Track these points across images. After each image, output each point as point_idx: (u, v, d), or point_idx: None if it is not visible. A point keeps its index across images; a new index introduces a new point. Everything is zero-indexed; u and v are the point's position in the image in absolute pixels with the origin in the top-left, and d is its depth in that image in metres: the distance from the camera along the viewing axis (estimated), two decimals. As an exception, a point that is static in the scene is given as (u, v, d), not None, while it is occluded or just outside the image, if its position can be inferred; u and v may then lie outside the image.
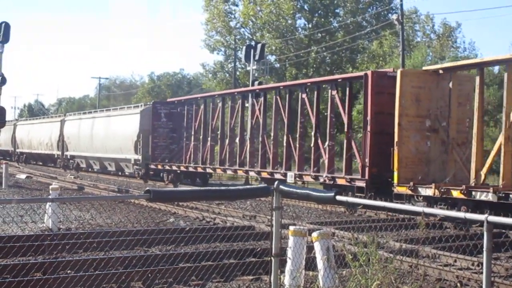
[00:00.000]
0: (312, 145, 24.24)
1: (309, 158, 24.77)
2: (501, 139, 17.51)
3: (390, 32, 56.48)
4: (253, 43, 48.29)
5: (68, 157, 47.43)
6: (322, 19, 59.21)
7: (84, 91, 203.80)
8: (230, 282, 9.50)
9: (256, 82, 41.49)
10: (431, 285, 9.36)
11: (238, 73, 58.86)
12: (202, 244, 12.51)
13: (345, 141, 22.74)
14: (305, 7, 60.00)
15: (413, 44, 61.24)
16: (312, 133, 24.31)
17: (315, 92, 24.75)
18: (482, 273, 5.23)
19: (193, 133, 32.96)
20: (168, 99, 44.10)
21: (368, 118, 21.13)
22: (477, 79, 18.20)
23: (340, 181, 22.03)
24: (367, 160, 20.97)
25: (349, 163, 22.60)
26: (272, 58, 59.48)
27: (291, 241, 7.58)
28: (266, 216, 16.98)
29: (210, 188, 8.03)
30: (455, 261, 11.13)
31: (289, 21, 59.87)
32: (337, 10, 60.98)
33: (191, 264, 9.97)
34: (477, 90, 18.19)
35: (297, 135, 25.20)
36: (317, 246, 7.46)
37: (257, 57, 43.70)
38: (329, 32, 58.75)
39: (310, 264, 7.90)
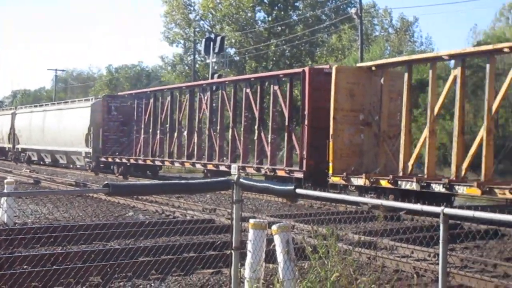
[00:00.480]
0: (255, 138, 25.08)
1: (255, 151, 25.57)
2: (426, 132, 18.49)
3: (349, 26, 56.85)
4: (212, 35, 48.17)
5: (20, 150, 47.30)
6: (282, 13, 59.32)
7: (40, 83, 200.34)
8: (190, 275, 9.49)
9: (216, 75, 41.40)
10: (389, 276, 9.48)
11: (197, 65, 58.64)
12: (162, 238, 12.46)
13: (285, 135, 23.60)
14: (265, 0, 60.05)
15: (372, 38, 61.76)
16: (256, 127, 25.03)
17: (258, 87, 25.31)
18: (438, 264, 5.32)
19: (143, 126, 33.45)
20: (126, 91, 43.94)
21: (306, 112, 22.19)
22: (405, 75, 19.34)
23: (280, 173, 23.04)
24: (304, 152, 22.02)
25: (290, 156, 23.59)
26: (231, 51, 59.45)
27: (251, 234, 7.59)
28: (226, 209, 17.00)
29: (170, 181, 8.00)
30: (412, 252, 11.31)
31: (249, 14, 59.89)
32: (296, 4, 61.18)
33: (151, 258, 9.93)
34: (405, 86, 19.25)
35: (242, 129, 26.02)
36: (277, 239, 7.48)
37: (216, 50, 43.65)
38: (288, 25, 58.91)
39: (270, 257, 7.93)
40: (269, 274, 8.42)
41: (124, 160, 34.00)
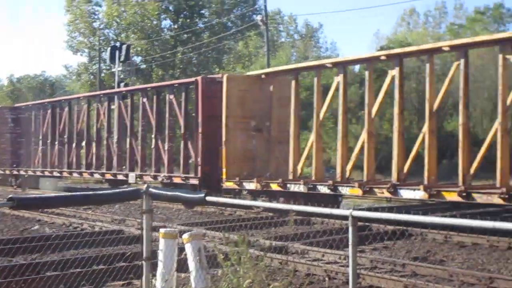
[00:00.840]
0: (153, 146, 25.22)
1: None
2: (312, 137, 19.20)
3: (255, 32, 57.40)
4: (118, 44, 47.55)
5: None
6: (188, 20, 59.20)
7: None
8: (100, 288, 9.28)
9: (122, 84, 40.94)
10: (301, 280, 9.56)
11: (103, 74, 57.68)
12: (70, 251, 12.14)
13: (182, 142, 23.84)
14: (170, 8, 59.76)
15: (278, 44, 62.61)
16: (153, 136, 25.17)
17: (155, 97, 25.44)
18: (348, 266, 5.40)
19: (41, 137, 32.78)
20: (28, 102, 42.78)
21: (199, 120, 22.56)
22: (293, 83, 20.10)
23: (176, 180, 23.35)
24: (199, 159, 22.41)
25: (186, 163, 23.78)
26: (138, 59, 58.82)
27: (162, 243, 7.50)
28: (136, 219, 16.75)
29: (77, 193, 7.79)
30: (323, 255, 11.44)
31: (155, 22, 59.42)
32: (202, 11, 61.18)
33: (59, 273, 9.63)
34: (292, 93, 19.95)
35: (139, 138, 26.17)
36: (188, 248, 7.42)
37: (122, 58, 43.16)
38: (195, 33, 58.85)
39: (182, 266, 7.86)
40: (181, 284, 8.34)
41: (22, 172, 33.43)
